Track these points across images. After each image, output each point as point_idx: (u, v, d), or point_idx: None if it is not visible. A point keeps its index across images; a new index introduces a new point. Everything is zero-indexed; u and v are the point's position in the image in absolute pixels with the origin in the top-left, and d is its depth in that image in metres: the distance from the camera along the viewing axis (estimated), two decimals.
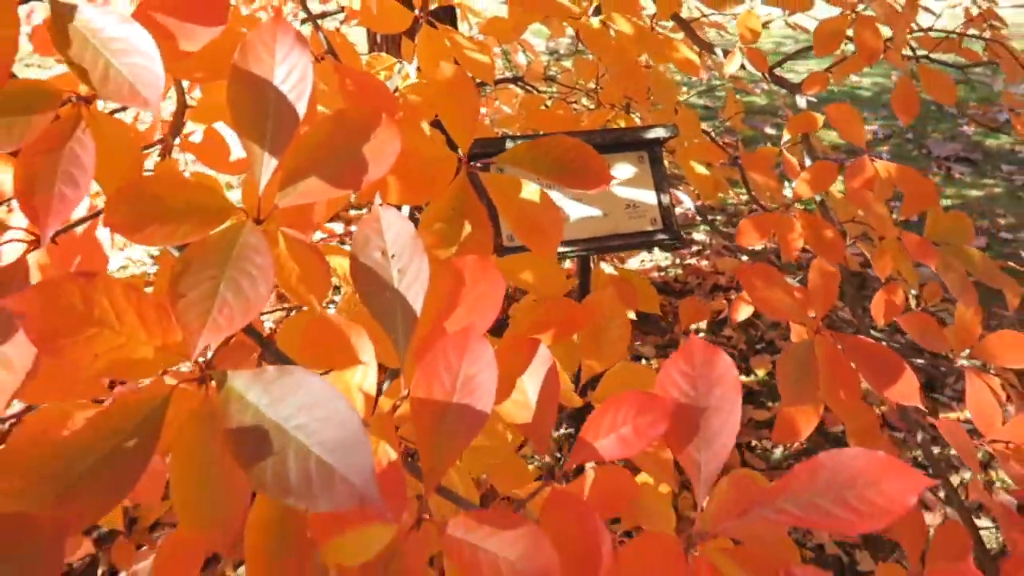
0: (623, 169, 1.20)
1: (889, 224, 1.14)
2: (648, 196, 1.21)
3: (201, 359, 0.42)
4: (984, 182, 3.51)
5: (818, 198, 1.28)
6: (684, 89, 4.47)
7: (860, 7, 1.24)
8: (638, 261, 2.62)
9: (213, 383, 0.41)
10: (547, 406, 0.50)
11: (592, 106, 1.72)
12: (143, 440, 0.40)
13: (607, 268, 1.87)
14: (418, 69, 1.04)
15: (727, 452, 0.47)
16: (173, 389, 0.41)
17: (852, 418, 1.01)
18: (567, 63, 4.72)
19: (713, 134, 1.91)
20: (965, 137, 3.98)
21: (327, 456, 0.36)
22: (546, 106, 1.73)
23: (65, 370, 0.47)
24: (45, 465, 0.38)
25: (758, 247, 1.81)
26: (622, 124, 1.40)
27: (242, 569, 1.41)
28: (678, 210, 2.89)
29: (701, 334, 2.27)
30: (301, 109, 0.48)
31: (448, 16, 1.78)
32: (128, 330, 0.39)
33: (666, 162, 1.29)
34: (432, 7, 0.98)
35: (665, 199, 1.20)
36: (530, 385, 0.50)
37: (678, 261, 2.63)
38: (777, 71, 1.39)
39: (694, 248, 2.73)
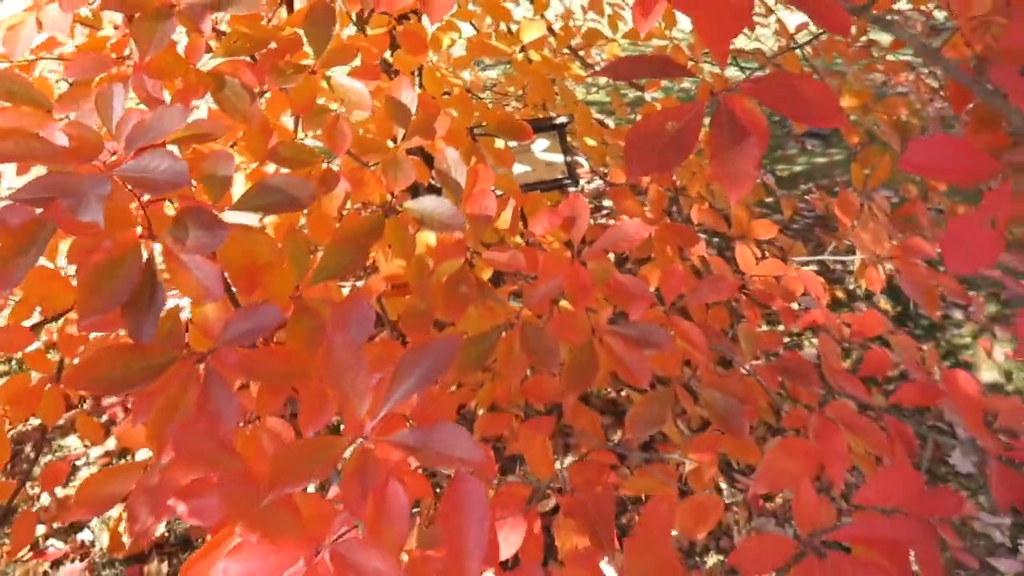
0: (543, 142, 1.99)
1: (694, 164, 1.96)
2: (558, 158, 1.99)
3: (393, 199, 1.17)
4: (830, 151, 4.44)
5: None
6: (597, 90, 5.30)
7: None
8: None
9: (399, 207, 1.17)
10: (515, 220, 1.27)
11: (520, 106, 2.50)
12: (376, 230, 1.15)
13: None
14: (422, 87, 1.79)
15: (584, 230, 1.24)
16: (381, 212, 1.16)
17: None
18: (492, 72, 5.49)
19: (605, 120, 2.71)
20: None
21: (444, 220, 1.12)
22: (488, 108, 2.50)
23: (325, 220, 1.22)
24: (340, 231, 1.12)
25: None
26: (540, 116, 2.18)
27: None
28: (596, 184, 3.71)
29: None
30: (412, 110, 1.23)
31: None
32: (370, 186, 1.15)
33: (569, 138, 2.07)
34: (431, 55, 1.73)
35: (568, 159, 1.99)
36: (507, 215, 1.27)
37: (591, 222, 3.44)
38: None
39: (604, 211, 3.55)
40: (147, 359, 0.86)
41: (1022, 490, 1.12)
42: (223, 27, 1.42)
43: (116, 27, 1.28)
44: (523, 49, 1.91)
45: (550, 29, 2.17)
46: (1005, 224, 0.72)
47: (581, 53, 2.29)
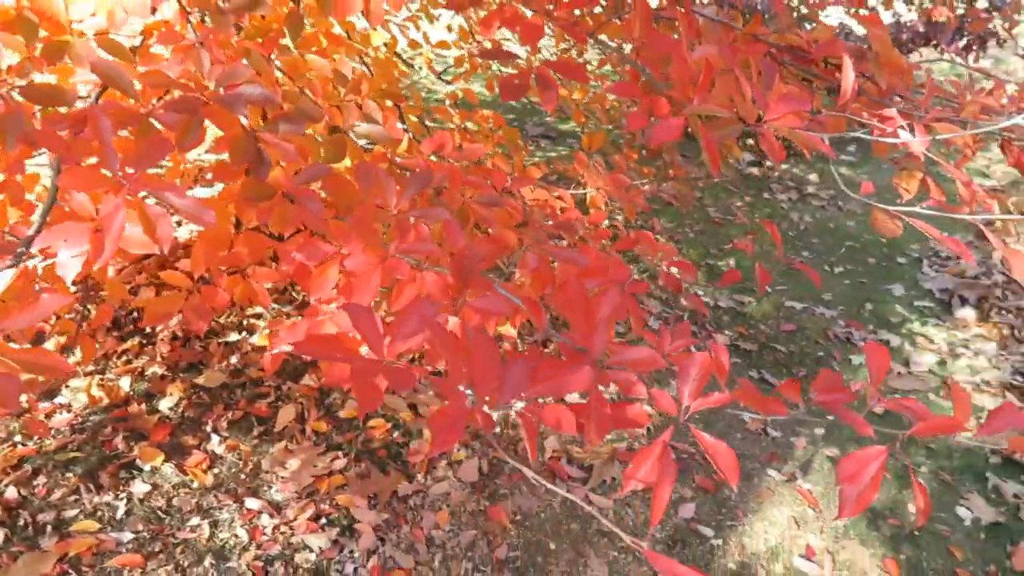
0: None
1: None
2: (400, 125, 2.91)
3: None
4: (558, 149, 5.78)
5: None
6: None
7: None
8: None
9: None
10: (410, 148, 2.17)
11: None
12: (344, 141, 1.99)
13: None
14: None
15: (449, 149, 2.18)
16: (343, 134, 2.01)
17: None
18: None
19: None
20: (547, 124, 6.30)
21: (378, 136, 2.00)
22: None
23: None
24: (329, 140, 1.95)
25: None
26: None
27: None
28: None
29: None
30: (349, 77, 2.09)
31: None
32: (336, 117, 1.99)
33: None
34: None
35: (404, 126, 2.92)
36: (405, 143, 2.17)
37: None
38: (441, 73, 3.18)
39: None
40: (263, 189, 1.65)
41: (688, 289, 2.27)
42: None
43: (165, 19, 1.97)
44: (374, 49, 2.80)
45: (384, 44, 3.08)
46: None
47: (405, 57, 3.22)
